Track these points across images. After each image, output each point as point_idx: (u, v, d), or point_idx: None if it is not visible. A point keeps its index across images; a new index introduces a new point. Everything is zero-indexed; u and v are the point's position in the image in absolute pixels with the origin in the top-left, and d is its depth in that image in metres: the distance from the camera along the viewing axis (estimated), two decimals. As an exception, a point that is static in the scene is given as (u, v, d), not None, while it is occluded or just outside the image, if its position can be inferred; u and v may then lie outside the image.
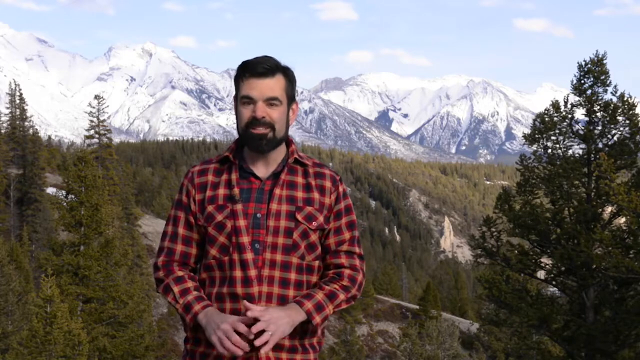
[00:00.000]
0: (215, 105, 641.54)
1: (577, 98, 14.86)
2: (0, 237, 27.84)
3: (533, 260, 15.12)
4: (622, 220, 14.36)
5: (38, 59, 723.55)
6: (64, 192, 16.76)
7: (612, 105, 14.47)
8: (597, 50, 14.87)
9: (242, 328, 2.11)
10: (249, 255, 2.23)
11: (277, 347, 2.19)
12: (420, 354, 27.58)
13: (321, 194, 2.34)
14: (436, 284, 52.95)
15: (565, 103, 14.85)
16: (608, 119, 14.50)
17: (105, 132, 38.76)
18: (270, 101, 2.27)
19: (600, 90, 14.70)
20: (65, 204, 15.79)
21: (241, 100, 2.29)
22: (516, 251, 15.08)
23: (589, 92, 14.72)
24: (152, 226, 45.96)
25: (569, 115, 14.80)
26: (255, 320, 2.13)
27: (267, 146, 2.27)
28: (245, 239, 2.24)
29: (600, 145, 14.73)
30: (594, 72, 14.69)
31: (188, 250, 2.37)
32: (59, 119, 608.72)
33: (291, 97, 2.35)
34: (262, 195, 2.29)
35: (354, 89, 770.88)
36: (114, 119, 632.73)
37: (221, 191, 2.31)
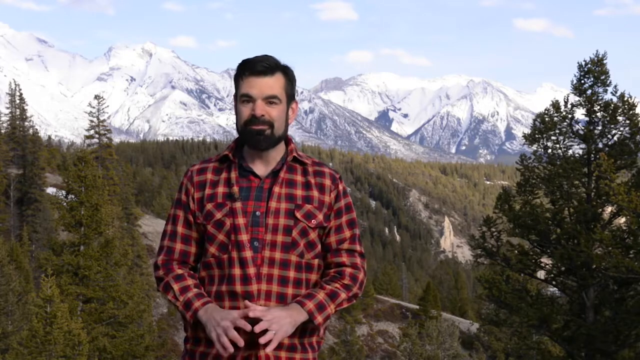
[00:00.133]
0: (215, 105, 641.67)
1: (577, 98, 14.87)
2: (0, 237, 27.85)
3: (533, 260, 15.12)
4: (622, 220, 14.36)
5: (38, 59, 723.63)
6: (64, 192, 16.77)
7: (612, 105, 14.48)
8: (597, 50, 14.89)
9: (242, 323, 2.11)
10: (248, 253, 2.23)
11: (277, 346, 2.18)
12: (420, 354, 27.58)
13: (321, 192, 2.34)
14: (436, 284, 52.95)
15: (566, 103, 14.85)
16: (608, 119, 14.50)
17: (105, 132, 38.77)
18: (270, 100, 2.28)
19: (601, 90, 14.70)
20: (65, 204, 15.79)
21: (241, 98, 2.29)
22: (516, 251, 15.08)
23: (589, 92, 14.72)
24: (152, 226, 45.96)
25: (569, 115, 14.80)
26: (257, 318, 2.14)
27: (265, 142, 2.28)
28: (244, 237, 2.24)
29: (600, 145, 14.73)
30: (594, 72, 14.69)
31: (187, 249, 2.37)
32: (59, 119, 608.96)
33: (291, 96, 2.35)
34: (262, 193, 2.30)
35: (354, 89, 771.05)
36: (114, 119, 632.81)
37: (220, 189, 2.31)
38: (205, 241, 2.33)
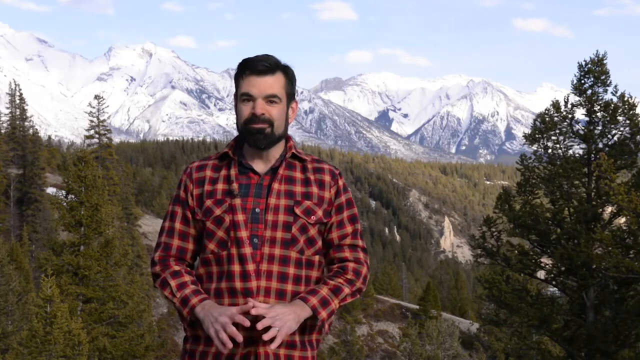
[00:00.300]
0: (215, 105, 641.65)
1: (577, 98, 14.87)
2: (0, 237, 27.85)
3: (533, 260, 15.12)
4: (622, 220, 14.35)
5: (38, 59, 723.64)
6: (64, 192, 16.76)
7: (612, 105, 14.47)
8: (597, 50, 14.89)
9: (241, 319, 2.11)
10: (247, 250, 2.23)
11: (272, 342, 2.17)
12: (420, 354, 27.58)
13: (320, 188, 2.35)
14: (436, 284, 52.95)
15: (566, 103, 14.85)
16: (608, 119, 14.50)
17: (105, 132, 38.79)
18: (270, 99, 2.28)
19: (601, 90, 14.70)
20: (65, 204, 15.78)
21: (241, 97, 2.30)
22: (516, 251, 15.07)
23: (589, 92, 14.72)
24: (152, 226, 45.96)
25: (569, 115, 14.80)
26: (258, 315, 2.13)
27: (265, 141, 2.28)
28: (243, 234, 2.24)
29: (600, 145, 14.73)
30: (594, 72, 14.69)
31: (184, 246, 2.37)
32: (59, 119, 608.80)
33: (291, 96, 2.36)
34: (261, 190, 2.30)
35: (354, 89, 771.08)
36: (114, 119, 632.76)
37: (220, 186, 2.32)
38: (204, 238, 2.33)
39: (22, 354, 12.87)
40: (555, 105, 15.01)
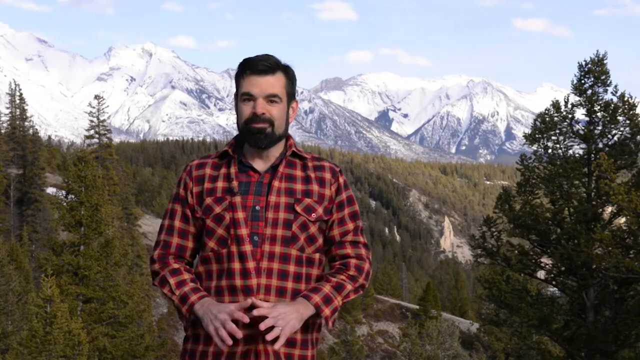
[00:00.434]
0: (215, 105, 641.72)
1: (577, 98, 14.87)
2: (0, 237, 27.85)
3: (533, 260, 15.11)
4: (622, 220, 14.35)
5: (38, 59, 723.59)
6: (64, 192, 16.76)
7: (612, 105, 14.47)
8: (597, 50, 14.90)
9: (240, 315, 2.11)
10: (248, 248, 2.23)
11: (276, 341, 2.17)
12: (420, 354, 27.58)
13: (321, 186, 2.35)
14: (436, 284, 52.94)
15: (566, 103, 14.85)
16: (608, 119, 14.50)
17: (105, 132, 38.80)
18: (271, 98, 2.29)
19: (601, 90, 14.70)
20: (65, 204, 15.78)
21: (242, 97, 2.31)
22: (516, 251, 15.07)
23: (589, 92, 14.72)
24: (152, 226, 45.96)
25: (570, 115, 14.80)
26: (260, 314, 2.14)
27: (266, 140, 2.29)
28: (243, 231, 2.24)
29: (600, 145, 14.73)
30: (594, 72, 14.69)
31: (184, 243, 2.37)
32: (59, 119, 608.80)
33: (291, 95, 2.37)
34: (261, 188, 2.30)
35: (354, 89, 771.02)
36: (114, 119, 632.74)
37: (220, 184, 2.32)
38: (203, 235, 2.33)
39: (22, 354, 12.87)
40: (555, 105, 15.01)
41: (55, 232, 27.40)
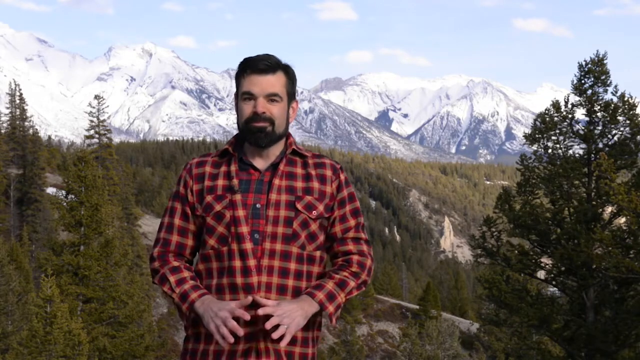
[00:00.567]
0: (215, 105, 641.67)
1: (577, 98, 14.87)
2: (0, 237, 27.85)
3: (533, 260, 15.11)
4: (622, 220, 14.35)
5: (38, 59, 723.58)
6: (64, 192, 16.76)
7: (612, 105, 14.47)
8: (597, 50, 14.90)
9: (241, 313, 2.11)
10: (248, 245, 2.23)
11: (277, 339, 2.17)
12: (420, 354, 27.58)
13: (321, 183, 2.35)
14: (436, 284, 52.95)
15: (566, 103, 14.85)
16: (608, 119, 14.50)
17: (105, 132, 38.80)
18: (271, 97, 2.29)
19: (601, 90, 14.70)
20: (65, 204, 15.78)
21: (242, 96, 2.31)
22: (516, 251, 15.07)
23: (589, 92, 14.72)
24: (152, 226, 45.96)
25: (570, 115, 14.80)
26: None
27: (266, 139, 2.29)
28: (244, 229, 2.24)
29: (600, 145, 14.73)
30: (594, 72, 14.69)
31: (183, 241, 2.37)
32: (59, 119, 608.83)
33: (291, 95, 2.37)
34: (262, 186, 2.30)
35: (354, 89, 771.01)
36: (114, 119, 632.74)
37: (220, 182, 2.32)
38: (204, 233, 2.33)
39: (22, 354, 12.87)
40: (555, 105, 15.01)
41: (55, 232, 27.40)
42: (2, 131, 44.10)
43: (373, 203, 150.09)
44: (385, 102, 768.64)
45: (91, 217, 15.35)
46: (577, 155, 14.91)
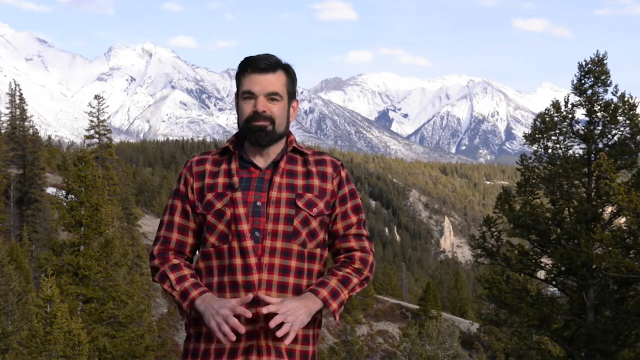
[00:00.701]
0: (215, 105, 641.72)
1: (577, 98, 14.87)
2: (0, 237, 27.85)
3: (533, 260, 15.12)
4: (622, 220, 14.35)
5: (38, 59, 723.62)
6: (64, 192, 16.76)
7: (612, 105, 14.48)
8: (597, 50, 14.90)
9: (242, 310, 2.11)
10: (249, 243, 2.23)
11: (285, 337, 2.16)
12: (420, 354, 27.59)
13: (322, 180, 2.35)
14: (436, 284, 52.95)
15: (566, 103, 14.86)
16: (608, 119, 14.51)
17: (105, 132, 38.81)
18: (271, 96, 2.29)
19: (601, 90, 14.71)
20: (65, 204, 15.78)
21: (243, 95, 2.31)
22: (516, 251, 15.07)
23: (589, 92, 14.73)
24: (152, 226, 45.96)
25: (570, 115, 14.80)
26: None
27: (267, 138, 2.29)
28: (245, 227, 2.24)
29: (600, 145, 14.73)
30: (594, 72, 14.69)
31: (183, 239, 2.37)
32: (59, 119, 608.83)
33: (292, 94, 2.37)
34: (262, 184, 2.30)
35: (354, 89, 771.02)
36: (114, 119, 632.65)
37: (221, 180, 2.32)
38: (204, 231, 2.32)
39: (22, 354, 12.87)
40: (555, 105, 15.01)
41: (55, 232, 27.40)
42: (2, 131, 44.11)
43: (373, 203, 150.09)
44: (385, 102, 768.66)
45: (91, 217, 15.35)
46: (577, 155, 14.91)
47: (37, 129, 46.48)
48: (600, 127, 14.69)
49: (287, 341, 2.10)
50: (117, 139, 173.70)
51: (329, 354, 33.45)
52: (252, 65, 2.30)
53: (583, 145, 14.81)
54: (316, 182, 2.34)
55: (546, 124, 14.94)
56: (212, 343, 2.24)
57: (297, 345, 2.27)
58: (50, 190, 40.68)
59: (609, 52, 14.91)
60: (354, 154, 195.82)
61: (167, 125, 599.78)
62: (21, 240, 32.87)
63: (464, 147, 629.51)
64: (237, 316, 2.13)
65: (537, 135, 15.08)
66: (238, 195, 2.27)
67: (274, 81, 2.29)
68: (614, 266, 12.06)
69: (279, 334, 2.08)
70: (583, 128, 14.75)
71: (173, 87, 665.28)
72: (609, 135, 14.68)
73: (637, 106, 14.54)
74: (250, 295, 2.15)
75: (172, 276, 2.29)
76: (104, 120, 38.68)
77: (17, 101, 44.24)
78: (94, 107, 37.89)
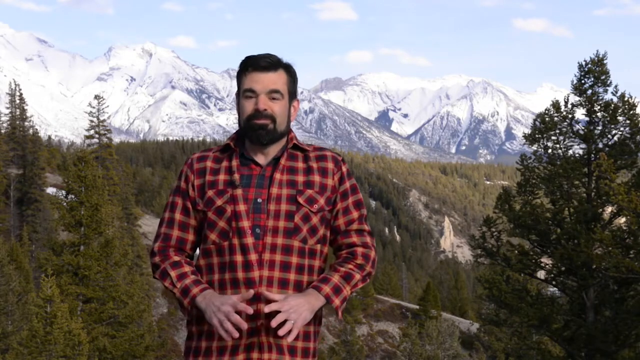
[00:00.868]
0: (215, 105, 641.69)
1: (577, 98, 14.88)
2: (0, 237, 27.85)
3: (533, 260, 15.12)
4: (622, 220, 14.36)
5: (38, 59, 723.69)
6: (64, 192, 16.76)
7: (612, 105, 14.48)
8: (597, 51, 14.91)
9: (243, 307, 2.11)
10: (250, 240, 2.23)
11: (288, 334, 2.16)
12: (420, 354, 27.59)
13: (323, 176, 2.35)
14: (436, 284, 52.95)
15: (566, 103, 14.86)
16: (608, 119, 14.51)
17: (105, 132, 38.82)
18: (273, 94, 2.30)
19: (601, 90, 14.71)
20: (65, 204, 15.78)
21: (244, 93, 2.31)
22: (516, 251, 15.08)
23: (589, 92, 14.73)
24: (152, 226, 45.96)
25: (570, 115, 14.81)
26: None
27: (268, 137, 2.29)
28: (245, 224, 2.24)
29: (600, 145, 14.74)
30: (594, 72, 14.70)
31: (184, 236, 2.37)
32: (59, 119, 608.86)
33: (292, 93, 2.38)
34: (263, 180, 2.30)
35: (354, 89, 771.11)
36: (114, 119, 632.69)
37: (221, 177, 2.32)
38: (205, 228, 2.33)
39: (22, 354, 12.87)
40: (555, 105, 15.02)
41: (55, 232, 27.41)
42: (2, 131, 44.12)
43: (373, 203, 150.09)
44: (385, 102, 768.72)
45: (91, 217, 15.35)
46: (577, 155, 14.92)
47: (37, 129, 46.50)
48: (600, 127, 14.70)
49: (290, 339, 2.10)
50: (117, 139, 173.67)
51: (329, 353, 33.45)
52: (253, 64, 2.30)
53: (583, 145, 14.81)
54: (317, 178, 2.34)
55: (546, 124, 14.94)
56: (214, 341, 2.24)
57: (299, 342, 2.27)
58: (50, 190, 40.69)
59: (609, 52, 14.92)
60: (354, 154, 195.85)
61: (167, 125, 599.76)
62: (21, 240, 32.87)
63: (464, 147, 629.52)
64: (239, 313, 2.13)
65: (537, 135, 15.09)
66: (239, 192, 2.27)
67: (275, 79, 2.30)
68: (614, 266, 12.06)
69: (282, 332, 2.09)
70: (583, 128, 14.76)
71: (173, 87, 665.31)
72: (609, 135, 14.68)
73: (637, 106, 14.54)
74: (251, 292, 2.15)
75: (173, 273, 2.29)
76: (104, 120, 38.68)
77: (17, 101, 44.25)
78: (94, 107, 37.90)
